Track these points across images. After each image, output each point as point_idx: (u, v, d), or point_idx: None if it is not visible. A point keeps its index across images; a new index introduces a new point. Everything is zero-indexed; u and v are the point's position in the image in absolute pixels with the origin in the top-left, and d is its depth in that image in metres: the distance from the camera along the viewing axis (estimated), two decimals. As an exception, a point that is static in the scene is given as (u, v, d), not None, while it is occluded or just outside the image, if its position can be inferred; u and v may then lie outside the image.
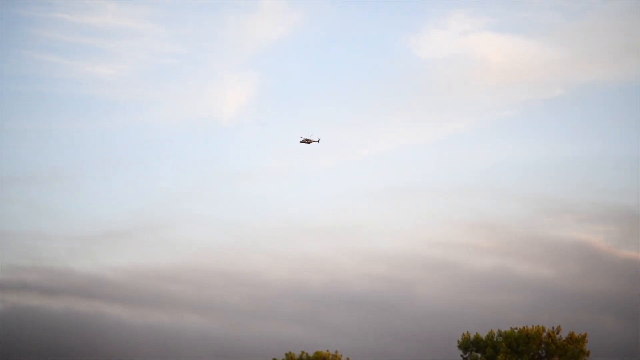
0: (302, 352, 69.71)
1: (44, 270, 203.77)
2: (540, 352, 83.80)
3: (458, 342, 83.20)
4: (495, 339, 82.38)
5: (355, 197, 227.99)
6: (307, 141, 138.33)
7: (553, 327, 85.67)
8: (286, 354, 69.32)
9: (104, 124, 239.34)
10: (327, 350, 70.30)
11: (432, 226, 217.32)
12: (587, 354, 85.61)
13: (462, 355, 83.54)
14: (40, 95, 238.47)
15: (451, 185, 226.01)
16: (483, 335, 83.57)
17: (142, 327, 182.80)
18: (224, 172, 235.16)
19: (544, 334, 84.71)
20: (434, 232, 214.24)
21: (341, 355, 71.40)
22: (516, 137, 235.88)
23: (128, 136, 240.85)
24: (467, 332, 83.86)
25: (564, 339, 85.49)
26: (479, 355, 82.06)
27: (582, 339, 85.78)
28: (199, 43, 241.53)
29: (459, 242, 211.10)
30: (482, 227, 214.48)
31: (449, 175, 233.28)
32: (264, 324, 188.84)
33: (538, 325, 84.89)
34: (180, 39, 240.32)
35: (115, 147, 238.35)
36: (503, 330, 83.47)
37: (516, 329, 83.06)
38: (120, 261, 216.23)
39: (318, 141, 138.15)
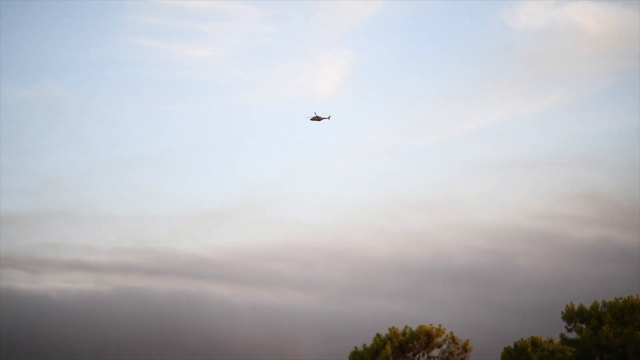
0: (406, 327, 69.88)
1: (147, 252, 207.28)
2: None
3: (562, 313, 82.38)
4: (599, 310, 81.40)
5: (456, 171, 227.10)
6: (318, 118, 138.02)
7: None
8: (390, 329, 69.54)
9: (202, 106, 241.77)
10: (431, 325, 70.36)
11: (533, 198, 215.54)
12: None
13: (566, 327, 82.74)
14: (137, 79, 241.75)
15: (552, 156, 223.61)
16: (587, 306, 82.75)
17: (246, 306, 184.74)
18: (322, 151, 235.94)
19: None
20: (536, 204, 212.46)
21: (444, 329, 71.40)
22: (616, 107, 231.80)
23: (226, 118, 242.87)
24: (571, 303, 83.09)
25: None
26: (584, 326, 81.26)
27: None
28: (293, 23, 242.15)
29: (561, 213, 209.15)
30: (584, 198, 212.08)
31: (549, 146, 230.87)
32: (367, 300, 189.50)
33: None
34: (274, 20, 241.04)
35: (213, 129, 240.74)
36: (607, 301, 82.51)
37: (621, 299, 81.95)
38: (222, 241, 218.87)
39: (329, 118, 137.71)
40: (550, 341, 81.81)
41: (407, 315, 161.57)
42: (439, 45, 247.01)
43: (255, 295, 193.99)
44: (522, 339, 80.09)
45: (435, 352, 69.69)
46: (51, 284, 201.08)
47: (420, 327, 69.03)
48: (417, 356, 66.97)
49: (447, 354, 69.09)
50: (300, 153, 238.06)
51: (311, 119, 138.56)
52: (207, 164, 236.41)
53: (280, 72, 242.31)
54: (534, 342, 79.23)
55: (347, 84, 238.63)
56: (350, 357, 65.69)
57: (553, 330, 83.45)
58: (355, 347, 67.20)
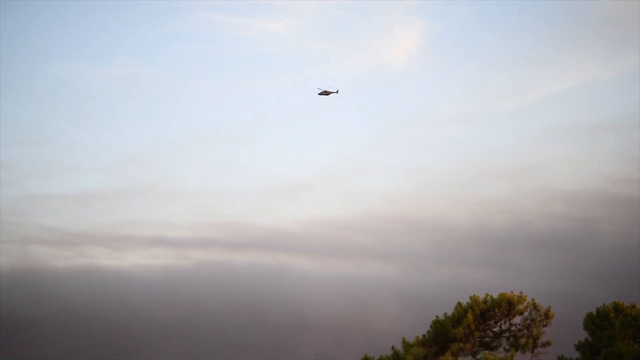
0: (487, 295, 69.70)
1: (227, 226, 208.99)
2: None
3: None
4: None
5: (534, 138, 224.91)
6: (326, 93, 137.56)
7: None
8: (470, 297, 69.39)
9: (279, 80, 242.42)
10: (512, 292, 70.11)
11: (613, 162, 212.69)
12: None
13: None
14: (213, 55, 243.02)
15: (631, 120, 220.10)
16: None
17: (326, 277, 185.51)
18: (399, 120, 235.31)
19: None
20: (616, 169, 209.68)
21: (526, 296, 71.03)
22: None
23: (302, 90, 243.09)
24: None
25: None
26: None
27: None
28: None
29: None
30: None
31: (628, 110, 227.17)
32: (448, 269, 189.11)
33: None
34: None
35: (290, 101, 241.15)
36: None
37: None
38: (301, 213, 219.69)
39: (337, 92, 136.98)
40: (633, 306, 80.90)
41: (488, 283, 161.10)
42: (514, 12, 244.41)
43: (335, 266, 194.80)
44: (604, 305, 79.36)
45: (517, 320, 69.39)
46: (133, 260, 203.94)
47: (501, 294, 68.81)
48: (498, 324, 66.72)
49: (529, 321, 68.79)
50: (377, 123, 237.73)
51: (319, 94, 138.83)
52: (285, 136, 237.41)
53: (355, 43, 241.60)
54: (617, 308, 78.40)
55: (422, 53, 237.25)
56: (431, 326, 65.67)
57: (635, 295, 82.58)
58: (437, 316, 67.20)
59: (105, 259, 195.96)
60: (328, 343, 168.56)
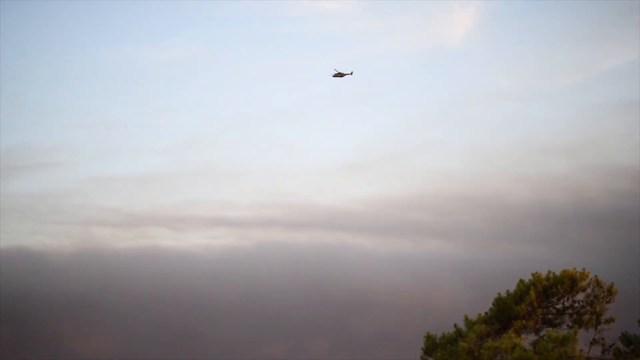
0: (549, 272, 69.22)
1: (287, 206, 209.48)
2: None
3: None
4: None
5: (595, 113, 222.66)
6: (340, 74, 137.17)
7: None
8: (532, 274, 68.95)
9: (337, 58, 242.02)
10: (574, 269, 69.60)
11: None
12: None
13: None
14: (268, 35, 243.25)
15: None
16: None
17: (387, 255, 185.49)
18: (458, 98, 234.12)
19: None
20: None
21: (588, 272, 70.41)
22: None
23: (358, 68, 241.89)
24: None
25: None
26: None
27: None
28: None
29: None
30: None
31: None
32: (509, 246, 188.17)
33: None
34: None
35: (347, 80, 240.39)
36: None
37: None
38: (361, 192, 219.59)
39: (351, 74, 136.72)
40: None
41: (549, 260, 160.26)
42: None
43: (395, 245, 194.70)
44: (669, 280, 78.59)
45: (580, 296, 68.90)
46: (194, 240, 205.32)
47: (563, 271, 68.28)
48: (561, 301, 66.26)
49: (592, 298, 68.23)
50: (435, 101, 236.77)
51: (333, 76, 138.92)
52: (344, 115, 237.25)
53: (411, 20, 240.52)
54: (682, 283, 77.61)
55: (480, 30, 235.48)
56: (493, 303, 65.33)
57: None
58: (499, 293, 66.87)
59: (167, 240, 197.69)
60: (389, 321, 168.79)
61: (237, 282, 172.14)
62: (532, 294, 63.47)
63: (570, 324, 63.94)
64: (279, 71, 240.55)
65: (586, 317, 63.97)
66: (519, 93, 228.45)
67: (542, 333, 62.30)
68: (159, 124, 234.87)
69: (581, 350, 59.87)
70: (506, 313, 62.70)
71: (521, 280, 65.11)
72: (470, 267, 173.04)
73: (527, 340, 61.62)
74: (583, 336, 61.95)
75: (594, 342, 62.93)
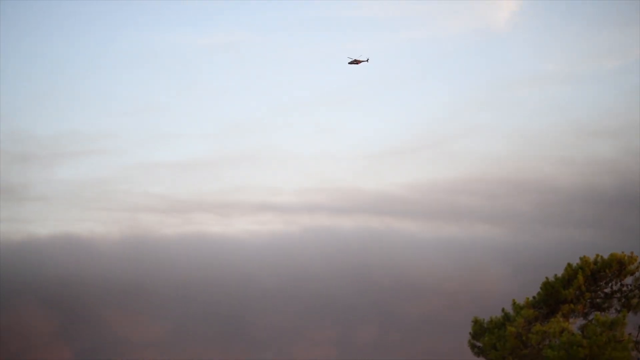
0: (597, 255, 68.68)
1: (333, 191, 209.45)
2: None
3: None
4: None
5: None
6: (356, 62, 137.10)
7: None
8: (580, 258, 68.45)
9: (381, 43, 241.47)
10: (622, 252, 68.99)
11: None
12: None
13: None
14: (317, 20, 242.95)
15: None
16: None
17: (433, 240, 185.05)
18: (503, 81, 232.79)
19: None
20: None
21: (637, 256, 69.84)
22: None
23: (404, 53, 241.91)
24: None
25: None
26: None
27: None
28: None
29: None
30: None
31: None
32: (556, 230, 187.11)
33: None
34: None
35: (393, 65, 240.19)
36: None
37: None
38: (406, 177, 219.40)
39: (367, 60, 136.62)
40: None
41: (597, 244, 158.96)
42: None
43: (441, 229, 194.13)
44: None
45: (628, 280, 68.35)
46: (240, 226, 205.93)
47: (611, 255, 67.72)
48: (609, 284, 65.76)
49: (641, 282, 67.77)
50: (480, 85, 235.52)
51: (349, 63, 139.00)
52: (389, 100, 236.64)
53: (457, 4, 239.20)
54: None
55: (524, 12, 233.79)
56: (541, 288, 64.89)
57: None
58: (547, 278, 66.47)
59: (213, 226, 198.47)
60: (436, 306, 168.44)
61: (283, 267, 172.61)
62: (580, 277, 63.01)
63: (619, 308, 63.41)
64: (324, 56, 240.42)
65: (635, 300, 63.42)
66: (565, 76, 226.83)
67: (590, 317, 61.82)
68: (204, 110, 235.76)
69: (629, 334, 59.37)
70: (554, 297, 62.28)
71: (569, 264, 64.68)
72: (517, 251, 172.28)
73: (575, 324, 61.19)
74: (631, 320, 61.41)
75: (643, 326, 62.43)
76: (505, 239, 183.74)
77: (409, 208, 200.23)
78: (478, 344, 61.19)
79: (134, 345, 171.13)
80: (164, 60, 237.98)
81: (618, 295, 64.37)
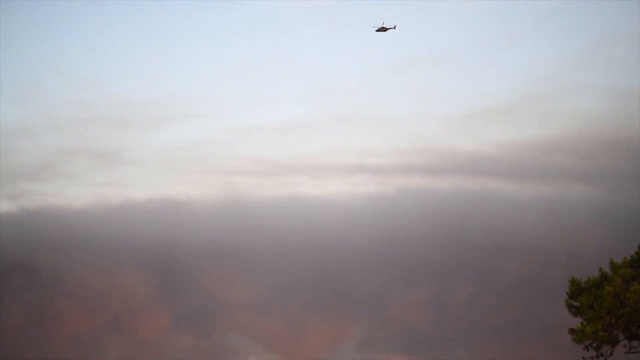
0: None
1: (428, 151, 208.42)
2: None
3: None
4: None
5: None
6: (383, 29, 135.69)
7: None
8: (680, 217, 67.46)
9: (477, 2, 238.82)
10: None
11: None
12: None
13: None
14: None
15: None
16: None
17: (529, 200, 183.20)
18: (600, 39, 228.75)
19: None
20: None
21: None
22: None
23: (500, 13, 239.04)
24: None
25: None
26: None
27: None
28: None
29: None
30: None
31: None
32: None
33: None
34: None
35: (488, 25, 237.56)
36: None
37: None
38: (502, 137, 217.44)
39: (394, 28, 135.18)
40: None
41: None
42: None
43: (537, 189, 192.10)
44: None
45: None
46: (335, 187, 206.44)
47: None
48: None
49: None
50: (577, 43, 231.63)
51: (376, 30, 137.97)
52: (485, 60, 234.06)
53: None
54: None
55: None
56: (639, 247, 63.97)
57: None
58: (645, 237, 65.50)
59: (308, 188, 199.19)
60: (532, 266, 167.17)
61: (378, 228, 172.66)
62: (680, 236, 61.80)
63: None
64: (419, 17, 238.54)
65: None
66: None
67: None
68: (299, 73, 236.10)
69: None
70: (653, 256, 61.24)
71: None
72: (614, 210, 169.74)
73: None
74: None
75: None
76: (602, 198, 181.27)
77: (505, 168, 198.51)
78: (575, 303, 60.58)
79: (231, 307, 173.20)
80: (260, 24, 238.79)
81: None
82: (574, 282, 61.12)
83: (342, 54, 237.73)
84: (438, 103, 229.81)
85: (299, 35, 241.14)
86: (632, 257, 60.89)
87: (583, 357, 59.88)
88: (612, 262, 60.40)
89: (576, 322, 60.50)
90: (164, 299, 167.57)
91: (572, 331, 59.73)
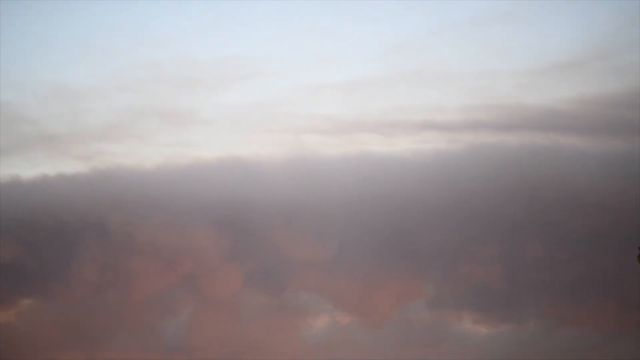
0: None
1: (497, 108, 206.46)
2: None
3: None
4: None
5: None
6: None
7: None
8: None
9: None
10: None
11: None
12: None
13: None
14: None
15: None
16: None
17: (599, 156, 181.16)
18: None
19: None
20: None
21: None
22: None
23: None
24: None
25: None
26: None
27: None
28: None
29: None
30: None
31: None
32: None
33: None
34: None
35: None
36: None
37: None
38: (572, 92, 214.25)
39: None
40: None
41: None
42: None
43: (608, 145, 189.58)
44: None
45: None
46: (404, 145, 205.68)
47: None
48: None
49: None
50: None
51: None
52: (554, 14, 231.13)
53: None
54: None
55: None
56: None
57: None
58: None
59: (376, 145, 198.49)
60: (603, 222, 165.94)
61: (447, 185, 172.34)
62: None
63: None
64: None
65: None
66: None
67: None
68: (367, 30, 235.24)
69: None
70: None
71: None
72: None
73: None
74: None
75: None
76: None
77: (575, 123, 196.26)
78: (645, 259, 60.58)
79: (302, 264, 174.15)
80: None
81: None
82: (644, 238, 61.12)
83: (410, 10, 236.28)
84: (506, 59, 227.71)
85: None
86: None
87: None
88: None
89: (647, 277, 60.47)
90: (236, 258, 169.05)
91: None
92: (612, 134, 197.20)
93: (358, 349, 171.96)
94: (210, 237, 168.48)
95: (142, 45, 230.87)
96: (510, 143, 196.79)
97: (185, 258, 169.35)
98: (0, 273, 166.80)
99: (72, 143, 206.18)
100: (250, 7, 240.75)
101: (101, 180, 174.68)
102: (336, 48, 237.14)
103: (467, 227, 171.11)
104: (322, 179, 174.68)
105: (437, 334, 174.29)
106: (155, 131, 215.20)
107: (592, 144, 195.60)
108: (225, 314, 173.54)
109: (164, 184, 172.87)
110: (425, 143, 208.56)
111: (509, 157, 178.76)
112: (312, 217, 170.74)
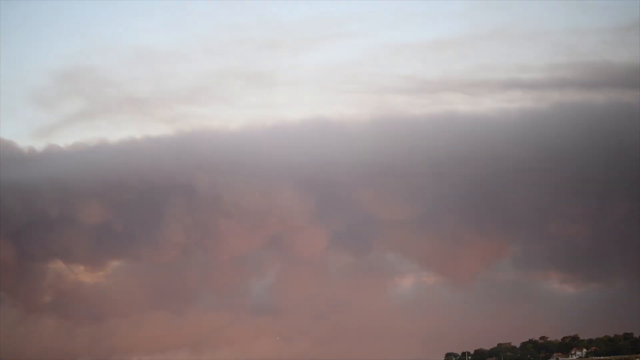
0: None
1: (583, 66, 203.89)
2: None
3: None
4: None
5: None
6: None
7: None
8: None
9: None
10: None
11: None
12: None
13: None
14: None
15: None
16: None
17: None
18: None
19: None
20: None
21: None
22: None
23: None
24: None
25: None
26: None
27: None
28: None
29: None
30: None
31: None
32: None
33: None
34: None
35: None
36: None
37: None
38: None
39: None
40: None
41: None
42: None
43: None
44: None
45: None
46: (489, 104, 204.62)
47: None
48: None
49: None
50: None
51: None
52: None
53: None
54: None
55: None
56: None
57: None
58: None
59: (461, 105, 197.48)
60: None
61: (533, 145, 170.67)
62: None
63: None
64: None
65: None
66: None
67: None
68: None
69: None
70: None
71: None
72: None
73: None
74: None
75: None
76: None
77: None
78: None
79: (387, 225, 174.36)
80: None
81: None
82: None
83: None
84: (592, 16, 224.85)
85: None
86: None
87: None
88: None
89: None
90: (322, 218, 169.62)
91: None
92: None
93: (444, 308, 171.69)
94: (296, 198, 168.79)
95: (226, 8, 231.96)
96: (596, 101, 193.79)
97: (271, 219, 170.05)
98: (89, 235, 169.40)
99: (157, 106, 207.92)
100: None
101: (187, 143, 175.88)
102: (419, 7, 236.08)
103: (554, 186, 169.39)
104: (407, 140, 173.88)
105: (523, 293, 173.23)
106: (239, 93, 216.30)
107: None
108: (311, 275, 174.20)
109: (249, 145, 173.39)
110: (510, 102, 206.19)
111: (595, 116, 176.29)
112: (397, 178, 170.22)
